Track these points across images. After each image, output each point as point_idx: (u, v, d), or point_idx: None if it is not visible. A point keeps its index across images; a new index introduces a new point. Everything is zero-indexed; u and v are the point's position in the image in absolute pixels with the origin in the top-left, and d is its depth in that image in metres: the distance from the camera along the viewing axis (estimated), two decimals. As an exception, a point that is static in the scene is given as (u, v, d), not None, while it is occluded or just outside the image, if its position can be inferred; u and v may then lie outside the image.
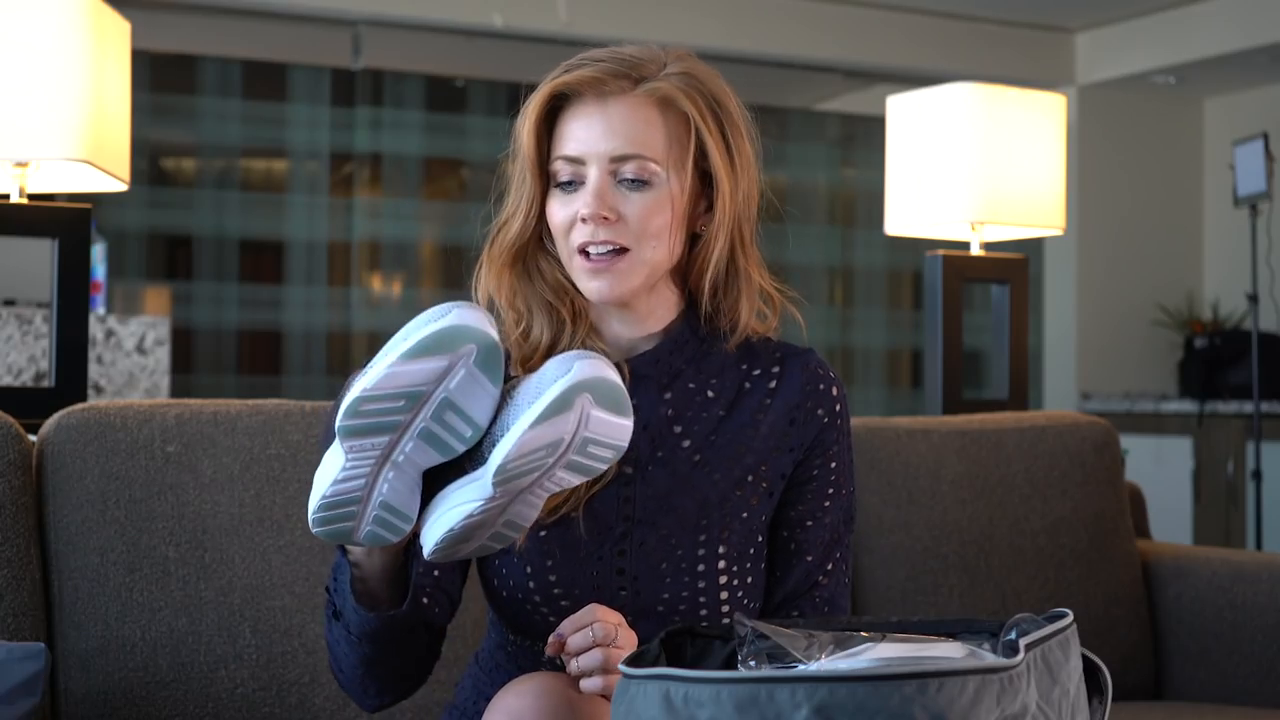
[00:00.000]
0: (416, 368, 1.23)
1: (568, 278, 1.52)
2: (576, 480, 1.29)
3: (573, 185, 1.48)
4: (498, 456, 1.25)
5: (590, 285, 1.48)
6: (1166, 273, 6.61)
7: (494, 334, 1.25)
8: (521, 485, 1.27)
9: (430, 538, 1.30)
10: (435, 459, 1.28)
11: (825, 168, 6.36)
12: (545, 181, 1.49)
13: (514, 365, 1.51)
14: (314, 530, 1.30)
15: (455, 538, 1.29)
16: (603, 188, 1.46)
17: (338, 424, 1.25)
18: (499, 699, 1.33)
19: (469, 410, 1.26)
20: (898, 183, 3.00)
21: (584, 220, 1.46)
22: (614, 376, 1.27)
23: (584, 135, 1.47)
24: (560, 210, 1.48)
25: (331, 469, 1.28)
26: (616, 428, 1.27)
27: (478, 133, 5.83)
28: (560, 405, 1.24)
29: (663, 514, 1.49)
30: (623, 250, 1.46)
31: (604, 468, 1.29)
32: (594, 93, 1.47)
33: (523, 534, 1.35)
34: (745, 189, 1.52)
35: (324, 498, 1.28)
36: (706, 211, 1.52)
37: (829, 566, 1.54)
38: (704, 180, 1.51)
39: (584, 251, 1.47)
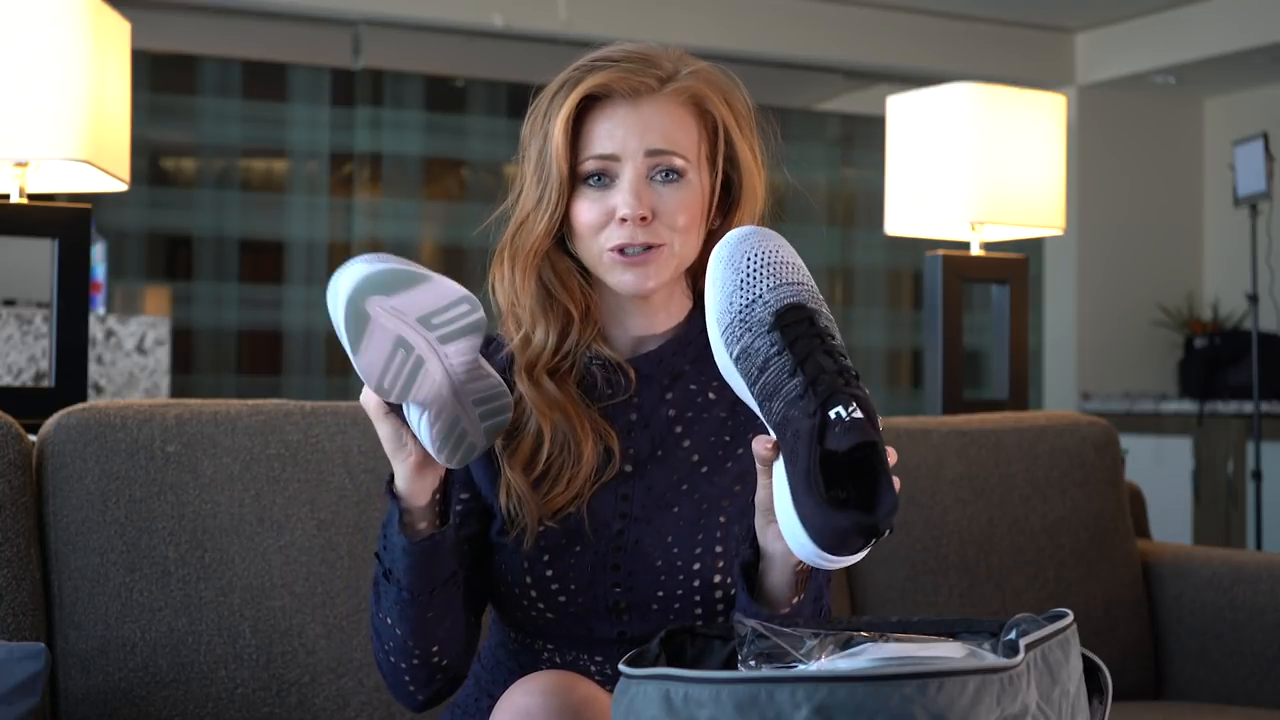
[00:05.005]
0: (372, 344, 1.28)
1: (584, 277, 1.53)
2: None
3: (601, 180, 1.48)
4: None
5: (625, 278, 1.48)
6: (1166, 273, 6.61)
7: (362, 265, 1.29)
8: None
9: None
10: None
11: (825, 168, 6.37)
12: (573, 181, 1.49)
13: (517, 373, 1.51)
14: (451, 465, 1.38)
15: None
16: (639, 184, 1.47)
17: (397, 404, 1.34)
18: (506, 697, 1.34)
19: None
20: (898, 183, 3.00)
21: (623, 220, 1.46)
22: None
23: (619, 133, 1.48)
24: (589, 209, 1.48)
25: (420, 424, 1.36)
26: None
27: (478, 133, 5.83)
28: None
29: (659, 512, 1.50)
30: (657, 247, 1.48)
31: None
32: (625, 92, 1.48)
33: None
34: (762, 187, 1.56)
35: (435, 445, 1.36)
36: (717, 210, 1.54)
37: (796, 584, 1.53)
38: (716, 179, 1.54)
39: (614, 249, 1.48)
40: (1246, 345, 5.62)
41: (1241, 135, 5.19)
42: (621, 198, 1.47)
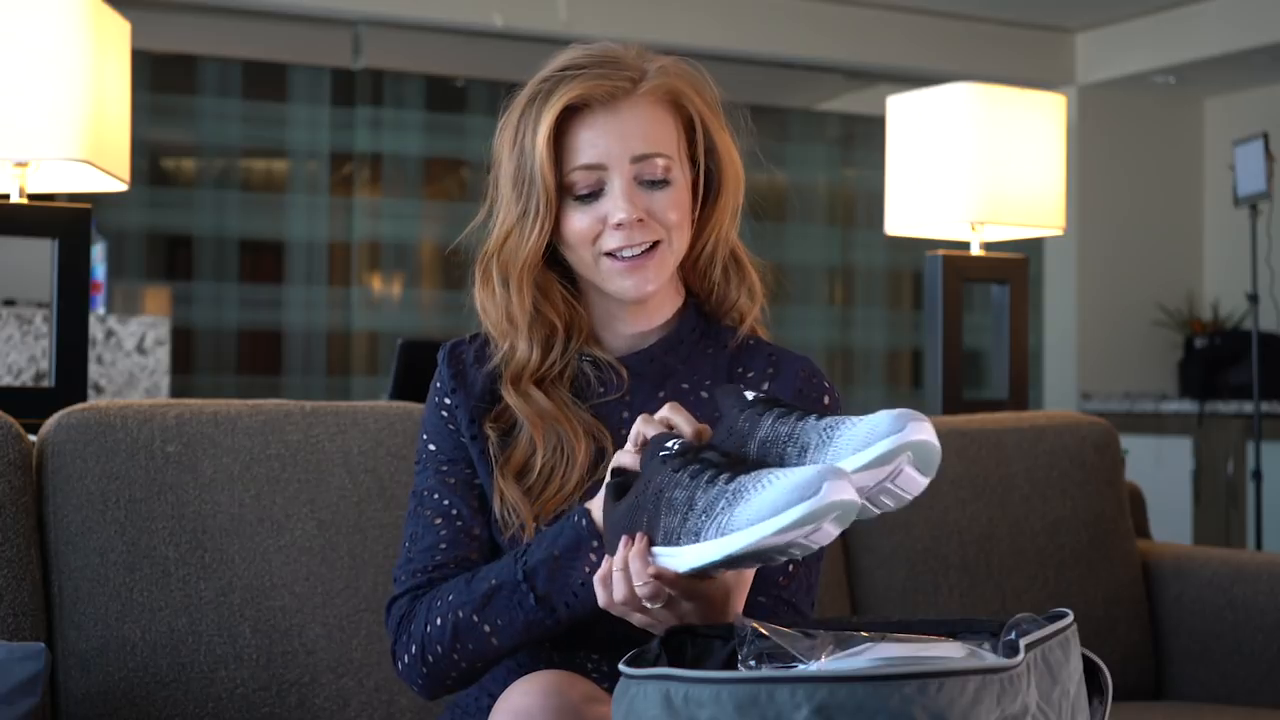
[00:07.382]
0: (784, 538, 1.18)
1: (572, 289, 1.52)
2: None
3: (593, 196, 1.48)
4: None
5: (625, 284, 1.48)
6: (1166, 273, 6.61)
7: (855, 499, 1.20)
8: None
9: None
10: None
11: (825, 168, 6.36)
12: (559, 193, 1.48)
13: (504, 385, 1.51)
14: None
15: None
16: (630, 190, 1.47)
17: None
18: (505, 698, 1.33)
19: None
20: (898, 183, 3.00)
21: (618, 226, 1.46)
22: (935, 440, 1.27)
23: (602, 142, 1.47)
24: (581, 219, 1.48)
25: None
26: (916, 484, 1.29)
27: (478, 133, 5.83)
28: (882, 459, 1.25)
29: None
30: (655, 245, 1.48)
31: (876, 513, 1.29)
32: (602, 99, 1.47)
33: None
34: (741, 174, 1.57)
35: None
36: (696, 202, 1.55)
37: (790, 568, 1.53)
38: (697, 172, 1.54)
39: (612, 254, 1.47)
40: (1246, 345, 5.62)
41: (1241, 135, 5.19)
42: (614, 204, 1.46)
